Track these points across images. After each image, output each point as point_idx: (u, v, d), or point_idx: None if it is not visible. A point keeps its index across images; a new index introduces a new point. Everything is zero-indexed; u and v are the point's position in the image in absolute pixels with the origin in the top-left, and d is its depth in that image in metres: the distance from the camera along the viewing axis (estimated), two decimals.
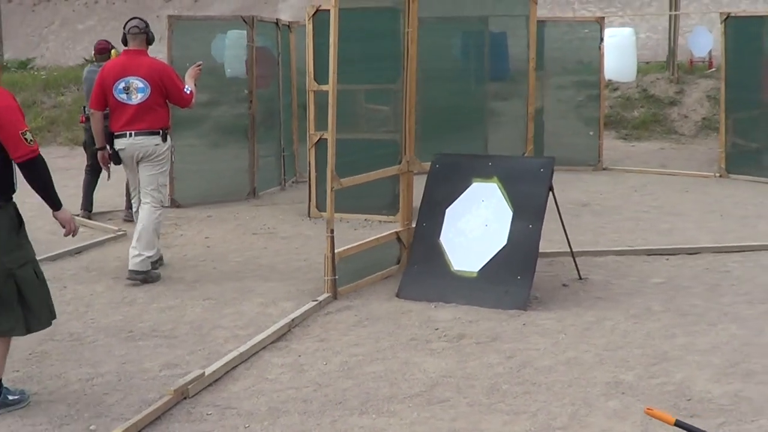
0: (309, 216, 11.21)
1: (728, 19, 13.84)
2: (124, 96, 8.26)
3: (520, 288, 7.22)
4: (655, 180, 13.83)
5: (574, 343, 6.40)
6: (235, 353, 6.25)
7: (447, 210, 7.74)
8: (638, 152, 16.57)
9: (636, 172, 14.52)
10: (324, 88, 9.60)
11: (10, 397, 5.46)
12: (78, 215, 11.16)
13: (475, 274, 7.41)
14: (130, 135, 8.25)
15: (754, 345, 6.28)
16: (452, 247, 7.58)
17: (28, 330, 5.43)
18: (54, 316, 5.62)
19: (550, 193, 7.60)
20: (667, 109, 18.34)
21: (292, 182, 13.77)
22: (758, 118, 13.93)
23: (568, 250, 8.23)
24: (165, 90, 8.36)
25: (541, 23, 14.87)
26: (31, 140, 5.30)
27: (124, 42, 8.56)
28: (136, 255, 8.19)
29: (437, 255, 7.60)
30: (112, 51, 11.00)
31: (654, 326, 6.76)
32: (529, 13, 8.61)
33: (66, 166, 15.51)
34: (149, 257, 8.28)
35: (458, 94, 9.95)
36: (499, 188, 7.58)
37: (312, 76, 10.63)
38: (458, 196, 7.73)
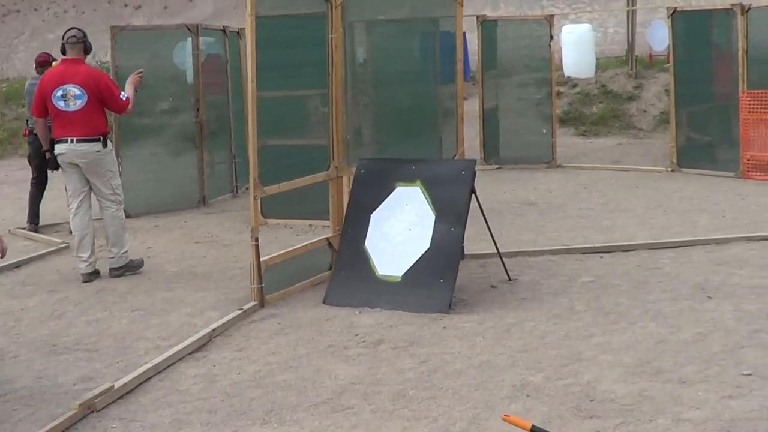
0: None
1: (675, 14, 13.88)
2: (62, 104, 8.49)
3: (443, 291, 7.22)
4: (607, 176, 13.86)
5: (490, 346, 6.41)
6: (149, 365, 6.24)
7: (372, 215, 7.74)
8: (595, 148, 16.62)
9: (589, 169, 14.55)
10: (265, 94, 9.56)
11: None
12: (24, 228, 11.19)
13: (399, 279, 7.41)
14: (71, 141, 8.50)
15: (669, 342, 6.30)
16: (377, 252, 7.58)
17: None
18: None
19: (473, 195, 7.54)
20: (625, 105, 18.41)
21: (246, 189, 13.72)
22: (708, 111, 13.98)
23: (505, 251, 8.34)
24: (101, 97, 8.57)
25: (493, 22, 14.93)
26: None
27: (63, 51, 8.74)
28: (111, 256, 8.83)
29: (363, 260, 7.60)
30: (53, 63, 10.97)
31: (573, 326, 6.76)
32: (456, 15, 8.55)
33: (24, 178, 15.40)
34: (124, 252, 8.86)
35: (411, 96, 9.97)
36: (422, 192, 7.58)
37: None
38: (383, 201, 7.73)
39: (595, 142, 17.15)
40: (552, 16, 14.87)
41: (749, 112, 13.11)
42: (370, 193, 7.81)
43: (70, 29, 8.82)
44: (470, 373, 5.92)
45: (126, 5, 36.27)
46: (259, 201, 7.59)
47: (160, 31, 12.68)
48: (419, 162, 7.93)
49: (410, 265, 7.41)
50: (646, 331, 6.59)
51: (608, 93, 18.66)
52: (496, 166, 14.88)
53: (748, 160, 13.18)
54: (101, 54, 18.13)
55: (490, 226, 8.02)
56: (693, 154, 14.03)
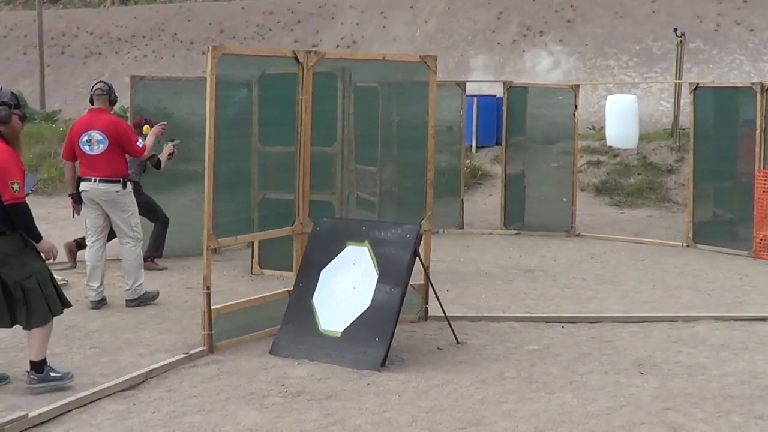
0: (252, 272, 11.56)
1: (697, 89, 14.00)
2: (87, 147, 9.57)
3: (377, 349, 7.48)
4: (621, 248, 13.95)
5: (400, 405, 6.65)
6: (72, 398, 6.61)
7: (322, 271, 8.05)
8: (623, 219, 16.69)
9: (606, 240, 14.65)
10: (268, 149, 10.04)
11: (52, 374, 6.94)
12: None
13: (339, 335, 7.70)
14: (95, 180, 9.54)
15: (574, 414, 6.47)
16: (322, 307, 7.89)
17: (29, 324, 6.89)
18: (50, 317, 6.97)
19: (417, 257, 7.81)
20: (664, 177, 18.46)
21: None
22: (726, 189, 14.04)
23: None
24: (120, 142, 9.61)
25: (519, 89, 15.22)
26: (17, 190, 6.70)
27: (91, 101, 9.82)
28: (127, 289, 9.75)
29: (309, 314, 7.91)
30: (144, 126, 11.61)
31: (493, 392, 6.96)
32: (429, 81, 8.88)
33: (64, 217, 16.02)
34: (138, 285, 9.75)
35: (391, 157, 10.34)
36: (369, 252, 7.88)
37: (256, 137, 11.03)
38: (333, 258, 8.04)
39: (626, 213, 17.22)
40: (578, 85, 15.06)
41: (764, 191, 13.14)
42: (322, 250, 8.13)
43: (98, 82, 9.91)
44: (366, 428, 6.17)
45: (203, 53, 37.33)
46: (211, 251, 7.92)
47: (178, 82, 13.19)
48: (370, 223, 8.26)
49: (350, 322, 7.69)
50: (560, 401, 6.76)
51: (648, 165, 18.74)
52: (516, 231, 15.06)
53: (761, 239, 13.18)
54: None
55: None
56: (709, 231, 14.06)
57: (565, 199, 15.13)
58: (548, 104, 15.32)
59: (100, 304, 9.76)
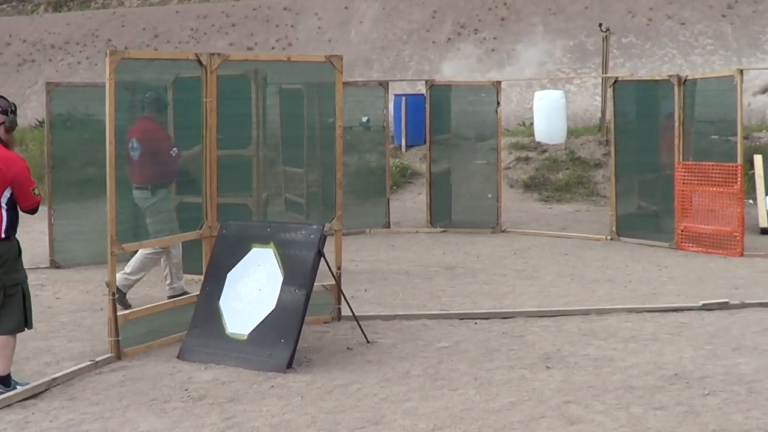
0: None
1: (616, 83, 14.12)
2: None
3: (283, 351, 7.45)
4: (546, 243, 14.03)
5: (301, 406, 6.62)
6: None
7: (229, 274, 8.00)
8: (551, 214, 16.79)
9: (532, 235, 14.73)
10: (185, 153, 9.99)
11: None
12: None
13: (245, 337, 7.66)
14: None
15: (474, 410, 6.48)
16: (229, 311, 7.84)
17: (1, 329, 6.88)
18: (23, 327, 7.06)
19: (322, 258, 7.79)
20: (592, 171, 18.59)
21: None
22: (647, 181, 14.19)
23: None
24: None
25: (441, 87, 15.24)
26: (37, 194, 7.00)
27: None
28: (120, 272, 9.41)
29: (216, 318, 7.86)
30: None
31: (397, 390, 6.95)
32: (336, 81, 8.86)
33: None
34: (129, 277, 9.70)
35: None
36: (275, 254, 7.84)
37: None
38: (239, 261, 7.99)
39: (554, 208, 17.33)
40: (499, 82, 15.12)
41: (684, 183, 13.27)
42: (228, 253, 8.09)
43: None
44: (264, 431, 6.13)
45: None
46: (115, 257, 7.83)
47: (94, 87, 13.04)
48: (275, 224, 8.23)
49: (256, 325, 7.65)
50: (462, 398, 6.76)
51: (576, 159, 18.87)
52: (442, 229, 15.09)
53: (682, 231, 13.31)
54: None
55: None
56: (632, 224, 14.20)
57: (490, 196, 15.20)
58: (471, 102, 15.36)
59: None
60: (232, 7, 40.10)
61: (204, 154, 8.52)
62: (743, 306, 9.57)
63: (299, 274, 7.67)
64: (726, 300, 9.61)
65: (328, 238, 8.23)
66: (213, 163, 8.53)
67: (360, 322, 8.38)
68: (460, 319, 9.23)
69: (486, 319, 9.21)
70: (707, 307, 9.44)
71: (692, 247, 13.17)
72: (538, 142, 18.57)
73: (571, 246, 13.67)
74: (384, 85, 15.35)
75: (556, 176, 18.62)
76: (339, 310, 9.07)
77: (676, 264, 12.13)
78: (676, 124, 13.28)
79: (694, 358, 7.71)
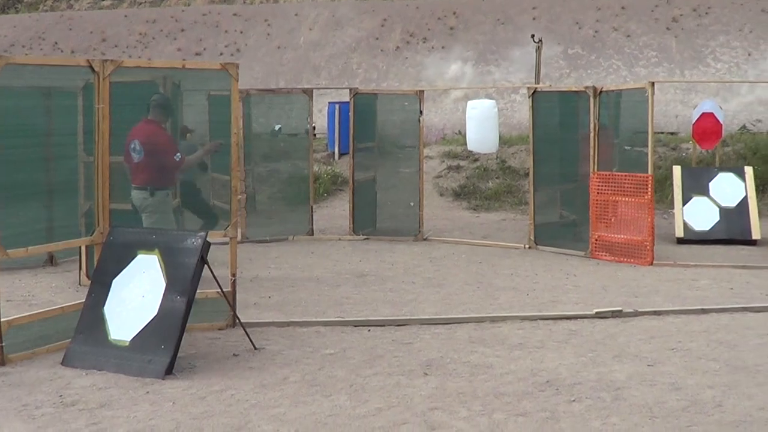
0: (80, 283, 11.47)
1: (535, 94, 14.26)
2: None
3: (162, 357, 7.49)
4: (464, 251, 14.14)
5: (171, 412, 6.65)
6: None
7: (114, 280, 8.02)
8: (477, 223, 16.92)
9: (452, 243, 14.84)
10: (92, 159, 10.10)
11: None
12: None
13: (127, 343, 7.69)
14: None
15: (340, 416, 6.54)
16: (113, 317, 7.87)
17: None
18: None
19: (206, 265, 7.84)
20: (521, 180, 18.74)
21: None
22: (564, 191, 14.34)
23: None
24: None
25: (365, 95, 15.32)
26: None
27: None
28: None
29: (99, 324, 7.88)
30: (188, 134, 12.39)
31: (270, 396, 7.00)
32: (232, 89, 8.91)
33: None
34: None
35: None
36: (159, 260, 7.88)
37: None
38: (125, 267, 8.02)
39: (482, 217, 17.47)
40: (422, 91, 15.24)
41: (599, 193, 13.43)
42: (115, 259, 8.12)
43: None
44: None
45: None
46: None
47: None
48: (160, 231, 8.27)
49: (138, 331, 7.68)
50: (332, 404, 6.83)
51: (507, 168, 19.02)
52: (364, 237, 15.17)
53: (596, 240, 13.48)
54: None
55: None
56: (550, 233, 14.36)
57: (412, 204, 15.28)
58: (395, 110, 15.45)
59: None
60: (182, 12, 40.07)
61: (96, 160, 8.51)
62: (636, 314, 9.71)
63: (181, 280, 7.72)
64: (620, 308, 9.74)
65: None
66: (105, 170, 8.56)
67: (247, 329, 8.44)
68: (355, 326, 9.29)
69: (381, 326, 9.29)
70: (600, 315, 9.57)
71: (605, 256, 13.34)
72: (471, 151, 18.67)
73: (488, 254, 13.79)
74: (308, 92, 15.41)
75: (486, 185, 18.77)
76: (234, 316, 9.10)
77: (586, 273, 12.28)
78: (591, 134, 13.42)
79: (573, 365, 7.82)
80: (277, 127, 16.23)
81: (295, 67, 36.38)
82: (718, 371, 7.70)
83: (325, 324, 9.34)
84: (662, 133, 23.47)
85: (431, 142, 22.88)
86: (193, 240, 7.89)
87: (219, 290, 8.34)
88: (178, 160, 9.85)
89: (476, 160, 19.43)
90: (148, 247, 8.03)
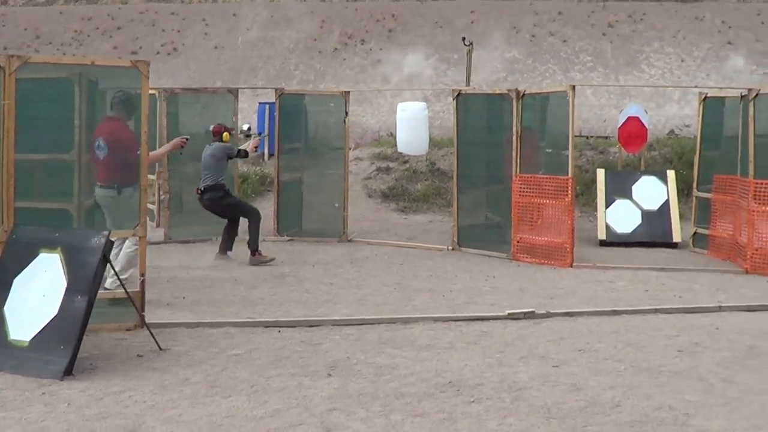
0: None
1: (459, 96, 14.27)
2: None
3: (62, 358, 7.36)
4: (387, 252, 14.12)
5: (65, 413, 6.53)
6: None
7: (16, 279, 7.87)
8: (404, 224, 16.91)
9: (376, 245, 14.80)
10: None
11: None
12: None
13: (26, 344, 7.54)
14: None
15: (237, 417, 6.46)
16: (13, 316, 7.71)
17: None
18: None
19: (108, 264, 7.73)
20: (450, 182, 18.71)
21: None
22: (488, 193, 14.36)
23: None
24: None
25: (292, 96, 15.24)
26: None
27: None
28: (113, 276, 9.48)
29: None
30: (224, 134, 13.26)
31: (168, 398, 6.90)
32: (142, 87, 8.80)
33: None
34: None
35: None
36: (60, 259, 7.74)
37: None
38: (26, 266, 7.87)
39: (409, 218, 17.46)
40: (347, 92, 15.19)
41: (521, 195, 13.46)
42: (17, 258, 7.96)
43: None
44: None
45: None
46: None
47: None
48: (63, 230, 8.13)
49: (38, 331, 7.53)
50: (231, 405, 6.75)
51: (436, 170, 19.02)
52: (288, 238, 15.08)
53: (518, 242, 13.51)
54: None
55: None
56: (473, 235, 14.38)
57: (336, 205, 15.23)
58: (322, 111, 15.39)
59: None
60: (119, 10, 39.64)
61: (1, 158, 8.35)
62: (548, 315, 9.73)
63: (82, 280, 7.59)
64: (532, 310, 9.75)
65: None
66: (10, 167, 8.40)
67: (154, 330, 8.33)
68: (266, 327, 9.21)
69: (292, 327, 9.22)
70: (512, 317, 9.58)
71: (527, 258, 13.38)
72: (401, 153, 18.67)
73: (412, 256, 13.77)
74: (233, 92, 15.30)
75: (415, 187, 18.76)
76: (143, 317, 8.98)
77: (505, 274, 12.31)
78: (514, 137, 13.45)
79: (478, 366, 7.81)
80: (245, 127, 16.18)
81: (232, 67, 36.12)
82: (622, 372, 7.71)
83: (236, 325, 9.24)
84: (591, 136, 23.64)
85: (366, 144, 22.87)
86: (96, 239, 7.77)
87: (123, 290, 8.20)
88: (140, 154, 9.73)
89: (406, 161, 19.42)
90: (51, 246, 7.89)
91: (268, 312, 9.91)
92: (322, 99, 15.77)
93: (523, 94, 13.55)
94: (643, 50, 36.04)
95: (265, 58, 36.33)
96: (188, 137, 11.04)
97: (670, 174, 15.93)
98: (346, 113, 15.08)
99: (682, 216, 15.96)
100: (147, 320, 8.93)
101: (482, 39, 35.32)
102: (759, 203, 12.72)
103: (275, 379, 7.43)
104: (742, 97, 13.55)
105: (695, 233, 15.11)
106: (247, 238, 13.17)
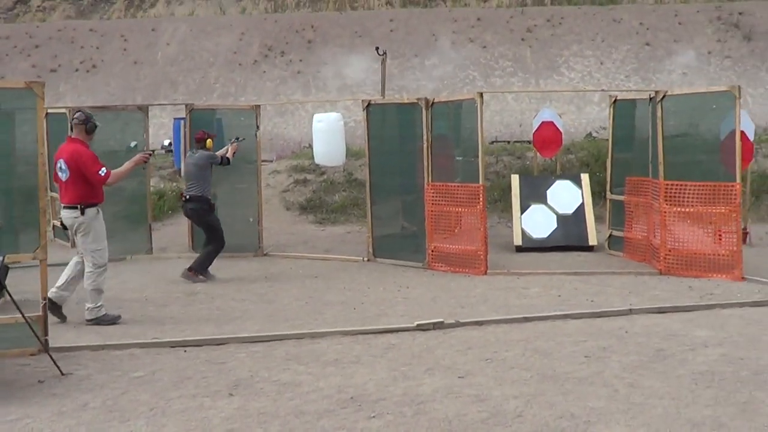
0: None
1: (370, 106, 14.25)
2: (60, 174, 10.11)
3: None
4: (303, 265, 14.05)
5: None
6: None
7: None
8: (322, 236, 16.83)
9: (293, 258, 14.71)
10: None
11: None
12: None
13: None
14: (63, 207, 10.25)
15: None
16: None
17: None
18: None
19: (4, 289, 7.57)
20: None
21: None
22: (402, 203, 14.34)
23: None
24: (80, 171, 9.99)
25: (210, 111, 15.13)
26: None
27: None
28: (86, 309, 10.22)
29: None
30: (208, 140, 13.45)
31: (66, 424, 6.78)
32: (37, 108, 8.64)
33: None
34: (95, 307, 10.22)
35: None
36: None
37: None
38: None
39: (327, 230, 17.40)
40: (258, 106, 15.10)
41: (434, 204, 13.47)
42: None
43: (77, 111, 10.45)
44: None
45: None
46: None
47: None
48: None
49: None
50: (128, 429, 6.64)
51: (353, 181, 18.98)
52: None
53: (433, 251, 13.51)
54: None
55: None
56: (389, 245, 14.34)
57: (251, 219, 15.12)
58: (233, 125, 15.28)
59: (53, 304, 10.03)
60: (37, 29, 39.12)
61: None
62: (457, 325, 9.73)
63: None
64: (441, 320, 9.74)
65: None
66: None
67: (55, 355, 8.19)
68: (172, 347, 9.09)
69: (198, 346, 9.11)
70: (421, 328, 9.56)
71: (441, 266, 13.39)
72: (318, 165, 18.60)
73: (327, 268, 13.72)
74: (143, 109, 15.13)
75: (333, 198, 18.71)
76: (46, 341, 8.81)
77: (419, 284, 12.30)
78: (425, 146, 13.46)
79: (382, 380, 7.77)
80: (132, 144, 15.95)
81: (152, 83, 35.81)
82: (528, 380, 7.72)
83: (141, 346, 9.11)
84: (510, 141, 23.80)
85: (287, 156, 22.79)
86: None
87: (21, 314, 8.04)
88: (102, 175, 10.01)
89: (323, 173, 19.37)
90: None
91: (175, 331, 9.78)
92: (233, 113, 15.65)
93: (432, 103, 13.55)
94: (563, 54, 36.40)
95: (185, 73, 36.09)
96: (151, 152, 11.20)
97: (584, 177, 16.06)
98: (258, 127, 14.98)
99: (598, 219, 16.08)
100: (52, 344, 8.78)
101: (402, 47, 35.45)
102: (670, 204, 12.83)
103: (176, 401, 7.32)
104: (650, 99, 13.67)
105: (611, 236, 15.23)
106: (197, 254, 13.42)
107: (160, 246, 15.56)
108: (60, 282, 10.24)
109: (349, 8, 41.14)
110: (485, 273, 12.88)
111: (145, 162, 10.88)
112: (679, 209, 12.75)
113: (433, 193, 13.43)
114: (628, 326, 9.68)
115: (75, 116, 10.22)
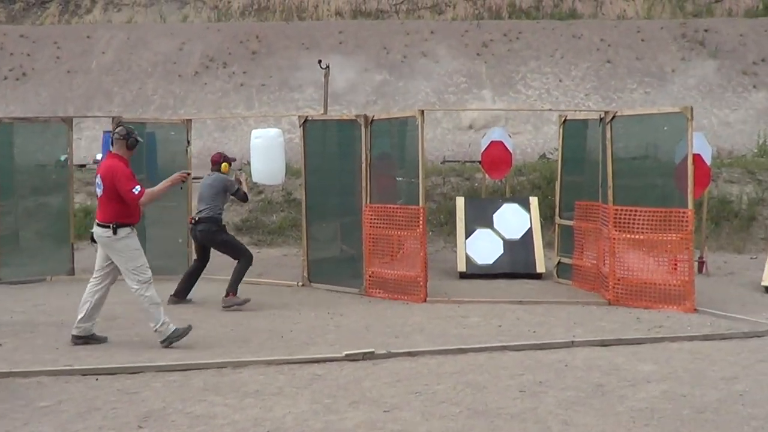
0: None
1: (306, 123, 14.25)
2: (97, 190, 10.20)
3: None
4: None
5: None
6: None
7: None
8: (256, 259, 16.67)
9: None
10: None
11: None
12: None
13: None
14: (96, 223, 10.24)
15: None
16: None
17: None
18: None
19: None
20: None
21: None
22: (339, 225, 14.32)
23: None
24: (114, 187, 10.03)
25: (139, 125, 14.97)
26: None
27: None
28: (153, 330, 10.27)
29: None
30: (223, 164, 13.30)
31: None
32: None
33: None
34: (158, 326, 10.21)
35: None
36: None
37: None
38: None
39: (263, 252, 17.33)
40: (189, 120, 15.05)
41: (371, 226, 13.45)
42: None
43: (118, 126, 10.62)
44: None
45: None
46: None
47: None
48: None
49: None
50: None
51: (292, 201, 18.94)
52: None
53: (371, 276, 13.49)
54: None
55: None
56: (325, 269, 14.30)
57: (180, 240, 15.02)
58: (162, 140, 15.20)
59: (79, 340, 10.27)
60: None
61: None
62: (389, 355, 9.71)
63: None
64: (372, 350, 9.72)
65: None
66: None
67: None
68: (83, 375, 8.99)
69: (112, 374, 9.02)
70: (350, 358, 9.53)
71: (379, 293, 13.37)
72: (255, 183, 18.50)
73: (259, 293, 13.65)
74: (68, 121, 15.01)
75: (270, 219, 18.65)
76: None
77: (354, 311, 12.28)
78: (363, 165, 13.46)
79: (303, 413, 7.74)
80: (62, 158, 15.83)
81: (86, 93, 35.59)
82: (456, 416, 7.71)
83: (51, 374, 9.01)
84: (459, 162, 23.87)
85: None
86: None
87: None
88: (136, 193, 9.97)
89: (261, 192, 19.30)
90: None
91: (89, 358, 9.69)
92: (163, 128, 15.57)
93: (372, 120, 13.56)
94: (520, 70, 36.65)
95: (121, 83, 35.92)
96: (189, 171, 11.25)
97: (533, 201, 16.10)
98: (188, 142, 14.90)
99: (548, 244, 16.13)
100: None
101: (350, 60, 35.50)
102: (619, 231, 12.88)
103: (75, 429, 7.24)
104: (600, 119, 13.74)
105: (559, 263, 15.26)
106: (229, 277, 13.11)
107: (83, 267, 15.38)
108: (80, 315, 10.28)
109: (296, 18, 41.17)
110: (425, 300, 12.88)
111: (183, 181, 10.69)
112: (629, 236, 12.80)
113: (371, 215, 13.42)
114: (568, 359, 9.70)
115: (116, 131, 10.25)
